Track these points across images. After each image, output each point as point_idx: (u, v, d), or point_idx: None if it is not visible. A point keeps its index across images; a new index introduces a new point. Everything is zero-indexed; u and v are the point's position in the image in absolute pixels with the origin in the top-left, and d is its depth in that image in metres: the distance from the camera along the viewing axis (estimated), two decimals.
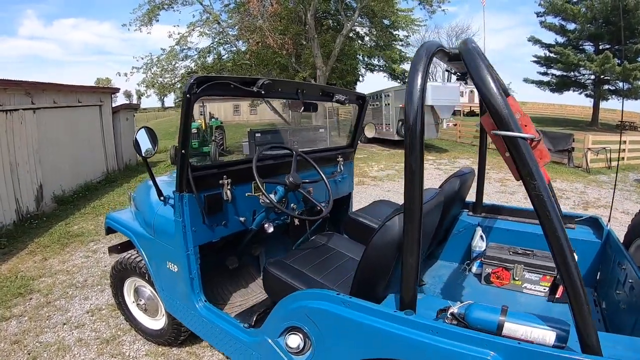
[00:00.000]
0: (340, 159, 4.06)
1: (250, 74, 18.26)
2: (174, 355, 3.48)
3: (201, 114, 16.92)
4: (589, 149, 13.31)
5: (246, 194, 2.99)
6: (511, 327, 1.63)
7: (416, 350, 1.69)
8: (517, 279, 2.96)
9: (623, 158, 14.45)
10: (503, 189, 10.29)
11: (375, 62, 25.42)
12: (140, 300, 3.56)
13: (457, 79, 2.83)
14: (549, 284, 2.92)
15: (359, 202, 7.32)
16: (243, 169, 2.95)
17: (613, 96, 33.96)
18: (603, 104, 35.17)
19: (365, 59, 25.39)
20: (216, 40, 19.82)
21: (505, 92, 1.89)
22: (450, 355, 1.61)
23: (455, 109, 27.82)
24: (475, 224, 3.45)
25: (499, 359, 1.52)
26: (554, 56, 33.57)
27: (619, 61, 28.82)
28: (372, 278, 2.15)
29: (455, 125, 23.27)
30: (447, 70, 2.83)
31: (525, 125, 1.72)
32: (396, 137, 18.05)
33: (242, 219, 2.99)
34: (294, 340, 2.16)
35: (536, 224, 3.28)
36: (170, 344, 3.51)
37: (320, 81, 18.20)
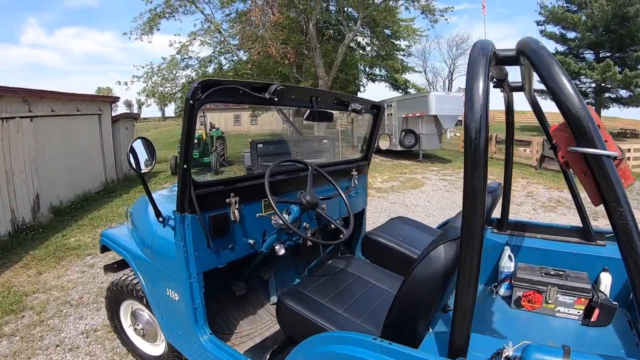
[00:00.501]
0: (355, 173, 3.79)
1: None
2: None
3: (202, 124, 16.78)
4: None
5: (257, 215, 2.71)
6: None
7: None
8: (550, 302, 2.72)
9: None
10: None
11: (377, 71, 25.38)
12: (138, 325, 3.27)
13: (494, 86, 2.55)
14: (584, 307, 2.69)
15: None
16: (253, 185, 2.68)
17: (614, 104, 33.89)
18: (604, 112, 35.09)
19: (367, 68, 25.33)
20: (217, 49, 19.75)
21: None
22: None
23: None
24: (503, 243, 3.19)
25: None
26: None
27: (620, 69, 28.77)
28: (412, 317, 1.86)
29: (457, 135, 23.15)
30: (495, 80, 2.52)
31: (606, 141, 1.45)
32: (399, 148, 17.87)
33: (251, 241, 2.70)
34: None
35: (566, 241, 3.04)
36: None
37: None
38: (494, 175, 13.38)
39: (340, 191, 3.05)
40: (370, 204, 9.68)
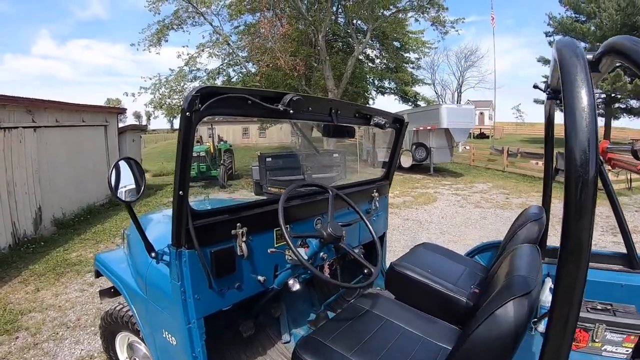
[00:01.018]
0: (376, 194, 3.38)
1: None
2: None
3: (210, 137, 16.66)
4: (609, 170, 12.71)
5: (268, 251, 2.34)
6: None
7: None
8: (597, 340, 2.42)
9: None
10: None
11: (387, 84, 25.20)
12: (135, 359, 2.98)
13: (548, 97, 2.26)
14: (633, 345, 2.38)
15: None
16: (263, 213, 2.30)
17: (624, 114, 33.51)
18: (613, 123, 34.71)
19: (376, 81, 25.16)
20: (226, 61, 19.64)
21: None
22: None
23: None
24: (544, 274, 2.86)
25: None
26: None
27: (630, 79, 28.41)
28: None
29: (468, 148, 22.84)
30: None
31: None
32: (409, 163, 17.60)
33: (260, 278, 2.30)
34: None
35: (610, 269, 2.74)
36: None
37: None
38: (508, 190, 13.11)
39: (365, 220, 2.65)
40: None
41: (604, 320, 2.39)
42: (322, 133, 2.61)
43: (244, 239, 2.13)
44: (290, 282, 2.38)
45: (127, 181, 1.98)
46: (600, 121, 35.20)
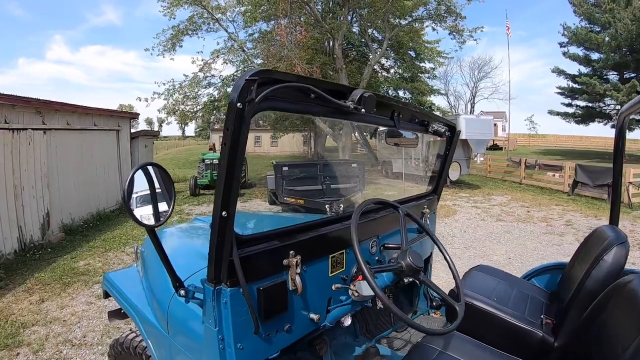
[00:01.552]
0: (427, 210, 2.91)
1: None
2: None
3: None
4: (630, 182, 12.28)
5: (333, 287, 1.92)
6: None
7: None
8: None
9: None
10: (550, 229, 9.35)
11: (401, 94, 24.88)
12: None
13: None
14: None
15: None
16: (318, 237, 1.88)
17: (639, 126, 32.97)
18: (628, 135, 34.11)
19: (390, 91, 24.85)
20: (240, 68, 19.40)
21: None
22: None
23: None
24: None
25: None
26: (579, 87, 32.88)
27: None
28: None
29: (482, 159, 22.39)
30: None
31: None
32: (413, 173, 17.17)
33: (314, 316, 1.84)
34: None
35: None
36: None
37: None
38: (527, 203, 12.69)
39: (442, 247, 2.18)
40: None
41: None
42: (386, 138, 2.22)
43: (298, 270, 1.70)
44: (342, 318, 2.01)
45: (147, 197, 1.56)
46: (614, 132, 34.69)
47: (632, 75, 30.40)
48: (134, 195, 1.50)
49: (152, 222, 1.50)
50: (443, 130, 2.45)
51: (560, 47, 34.26)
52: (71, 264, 6.52)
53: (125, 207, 1.40)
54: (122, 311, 2.62)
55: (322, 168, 11.71)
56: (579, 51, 33.35)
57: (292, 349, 2.18)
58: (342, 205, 9.02)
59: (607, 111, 33.22)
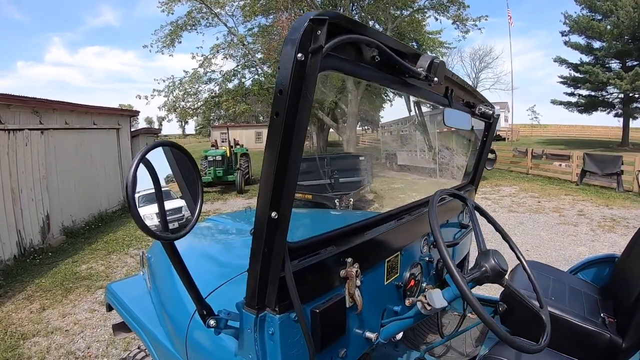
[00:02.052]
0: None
1: None
2: None
3: (223, 141, 16.24)
4: (639, 171, 12.08)
5: (406, 302, 1.65)
6: None
7: None
8: None
9: None
10: (563, 219, 9.13)
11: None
12: None
13: None
14: None
15: None
16: (376, 238, 1.54)
17: None
18: (632, 123, 33.90)
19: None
20: (241, 62, 19.10)
21: None
22: None
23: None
24: None
25: None
26: (581, 76, 32.60)
27: None
28: None
29: None
30: None
31: None
32: (428, 167, 16.89)
33: (372, 335, 1.51)
34: None
35: None
36: None
37: (352, 106, 17.22)
38: (536, 193, 12.45)
39: (514, 245, 1.85)
40: None
41: None
42: (444, 119, 1.93)
43: (358, 282, 1.37)
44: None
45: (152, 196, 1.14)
46: (618, 121, 34.46)
47: (635, 63, 30.07)
48: (135, 195, 1.07)
49: (169, 236, 1.06)
50: (491, 112, 2.23)
51: (562, 35, 33.88)
52: (73, 268, 6.29)
53: (130, 211, 0.97)
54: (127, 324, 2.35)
55: (330, 161, 11.46)
56: (581, 40, 32.96)
57: None
58: (352, 199, 8.74)
59: (610, 100, 32.93)
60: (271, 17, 18.68)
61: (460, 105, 2.08)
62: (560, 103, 35.82)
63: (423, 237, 1.92)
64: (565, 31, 33.58)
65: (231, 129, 19.66)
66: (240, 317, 1.18)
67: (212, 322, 1.19)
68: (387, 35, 1.24)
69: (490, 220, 1.87)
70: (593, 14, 31.68)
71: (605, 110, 34.14)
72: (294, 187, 1.05)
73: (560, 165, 16.21)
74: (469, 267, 2.07)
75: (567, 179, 14.72)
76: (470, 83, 2.20)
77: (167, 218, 1.17)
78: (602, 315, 2.17)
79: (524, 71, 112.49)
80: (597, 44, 32.36)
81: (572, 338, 2.04)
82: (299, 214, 3.44)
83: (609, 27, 29.69)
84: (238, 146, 16.71)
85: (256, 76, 19.36)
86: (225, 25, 17.83)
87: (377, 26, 21.23)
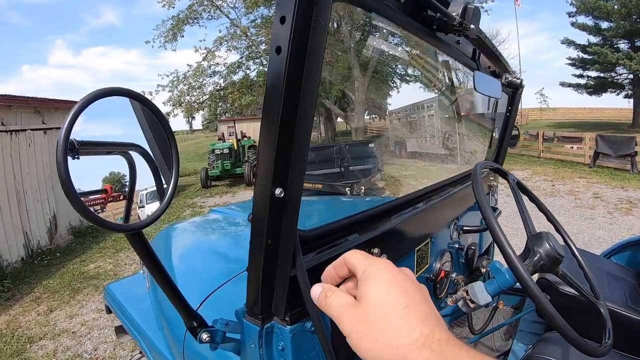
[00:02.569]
0: (494, 184, 2.47)
1: None
2: None
3: (231, 135, 16.15)
4: None
5: (449, 301, 1.39)
6: None
7: None
8: None
9: None
10: (578, 202, 8.94)
11: (410, 71, 24.33)
12: None
13: None
14: None
15: None
16: (404, 224, 1.29)
17: None
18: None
19: (399, 68, 24.31)
20: (245, 54, 18.92)
21: None
22: None
23: None
24: None
25: None
26: (589, 57, 32.10)
27: None
28: None
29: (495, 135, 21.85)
30: None
31: None
32: (442, 151, 16.66)
33: None
34: None
35: None
36: None
37: (359, 93, 16.99)
38: (550, 177, 12.22)
39: (563, 229, 1.61)
40: None
41: None
42: (475, 84, 1.69)
43: None
44: None
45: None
46: (628, 102, 33.92)
47: None
48: (143, 192, 0.91)
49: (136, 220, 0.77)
50: (519, 82, 1.99)
51: (569, 17, 33.31)
52: (81, 268, 6.21)
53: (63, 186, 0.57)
54: None
55: (339, 150, 11.27)
56: (588, 20, 32.45)
57: None
58: (363, 187, 8.51)
59: (620, 81, 32.42)
60: (273, 7, 18.48)
61: (487, 69, 1.88)
62: (569, 85, 35.37)
63: (452, 221, 1.73)
64: (572, 12, 33.01)
65: (238, 122, 19.48)
66: (241, 328, 0.92)
67: (205, 336, 0.91)
68: None
69: (533, 198, 1.62)
70: None
71: (615, 92, 33.62)
72: (305, 152, 0.76)
73: (572, 147, 15.94)
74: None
75: (580, 161, 14.46)
76: None
77: None
78: None
79: (529, 55, 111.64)
80: (605, 24, 31.81)
81: (621, 330, 1.82)
82: (310, 201, 3.18)
83: (616, 6, 29.13)
84: (245, 138, 16.56)
85: (261, 67, 19.18)
86: (228, 17, 17.66)
87: None
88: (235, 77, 18.97)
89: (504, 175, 1.58)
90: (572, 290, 1.82)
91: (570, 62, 34.58)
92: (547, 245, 1.17)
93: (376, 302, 0.54)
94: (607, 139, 13.36)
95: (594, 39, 33.03)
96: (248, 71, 19.24)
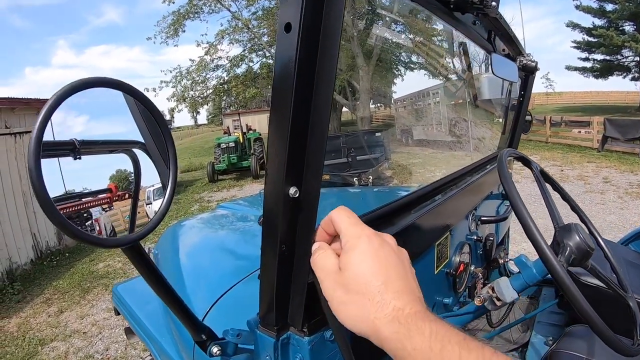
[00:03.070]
0: (510, 171, 2.34)
1: None
2: None
3: (236, 128, 16.10)
4: None
5: (476, 301, 1.24)
6: None
7: None
8: None
9: None
10: (588, 187, 8.84)
11: (415, 59, 24.11)
12: None
13: None
14: None
15: None
16: (424, 217, 1.21)
17: None
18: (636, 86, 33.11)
19: (403, 56, 24.12)
20: (247, 47, 18.83)
21: None
22: None
23: None
24: None
25: None
26: (595, 40, 31.73)
27: None
28: None
29: (501, 121, 21.68)
30: None
31: None
32: (449, 139, 16.52)
33: None
34: None
35: None
36: None
37: (363, 82, 16.85)
38: (558, 162, 12.10)
39: (588, 218, 1.45)
40: None
41: None
42: (492, 69, 1.61)
43: None
44: None
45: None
46: (635, 85, 33.57)
47: None
48: (150, 189, 0.93)
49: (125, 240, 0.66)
50: (534, 65, 1.93)
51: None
52: (90, 267, 6.21)
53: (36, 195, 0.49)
54: None
55: (346, 140, 11.16)
56: (593, 3, 32.05)
57: None
58: (370, 176, 8.43)
59: (626, 63, 32.03)
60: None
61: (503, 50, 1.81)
62: (575, 69, 34.98)
63: (470, 211, 1.67)
64: None
65: (243, 115, 19.44)
66: (254, 339, 0.83)
67: (215, 349, 0.84)
68: None
69: (556, 187, 1.48)
70: None
71: (621, 75, 33.22)
72: (323, 145, 0.67)
73: (580, 132, 15.75)
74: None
75: (588, 145, 14.26)
76: (483, 51, 1.90)
77: None
78: None
79: (533, 39, 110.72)
80: (609, 7, 31.39)
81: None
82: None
83: None
84: (251, 131, 16.52)
85: (264, 59, 19.08)
86: (229, 10, 17.54)
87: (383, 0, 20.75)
88: (239, 70, 18.88)
89: (528, 163, 1.45)
90: (597, 282, 1.74)
91: (575, 45, 34.17)
92: (578, 238, 1.05)
93: (356, 275, 0.59)
94: (615, 122, 13.15)
95: (599, 22, 32.53)
96: (251, 64, 19.15)
